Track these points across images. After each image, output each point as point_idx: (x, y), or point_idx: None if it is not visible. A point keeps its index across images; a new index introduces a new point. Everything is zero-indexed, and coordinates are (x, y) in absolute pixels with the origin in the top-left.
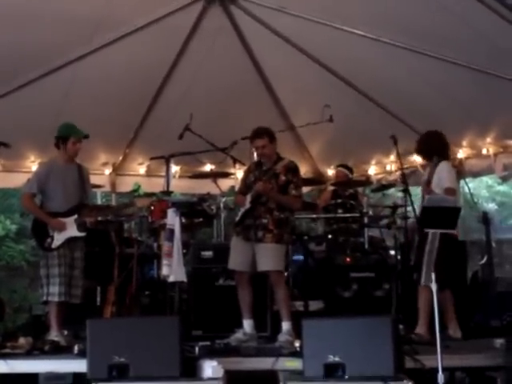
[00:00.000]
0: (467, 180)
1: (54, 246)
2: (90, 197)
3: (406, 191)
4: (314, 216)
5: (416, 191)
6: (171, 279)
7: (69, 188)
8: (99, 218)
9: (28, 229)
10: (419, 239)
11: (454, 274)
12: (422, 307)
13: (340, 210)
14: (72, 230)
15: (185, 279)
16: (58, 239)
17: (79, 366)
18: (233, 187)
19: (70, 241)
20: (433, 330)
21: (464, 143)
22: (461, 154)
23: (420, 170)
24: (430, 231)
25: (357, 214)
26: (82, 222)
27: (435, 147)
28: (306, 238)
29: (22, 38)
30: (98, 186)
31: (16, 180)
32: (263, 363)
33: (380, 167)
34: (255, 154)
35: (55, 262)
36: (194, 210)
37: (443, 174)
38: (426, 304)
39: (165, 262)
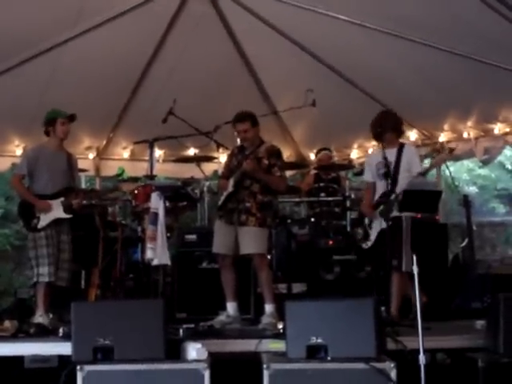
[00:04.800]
0: (448, 163)
1: (39, 226)
2: (76, 184)
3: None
4: (297, 200)
5: None
6: (155, 262)
7: (56, 173)
8: (84, 202)
9: (13, 213)
10: (392, 224)
11: (435, 257)
12: (394, 290)
13: (322, 194)
14: (58, 212)
15: (169, 262)
16: (44, 220)
17: (64, 348)
18: (216, 171)
19: (57, 224)
20: (407, 313)
21: (445, 127)
22: (442, 137)
23: None
24: (403, 217)
25: (339, 198)
26: (69, 204)
27: (393, 126)
28: (289, 221)
29: (4, 23)
30: (82, 170)
31: (0, 164)
32: (247, 345)
33: (362, 151)
34: (238, 139)
35: (43, 243)
36: (178, 194)
37: (414, 158)
38: (402, 288)
39: (149, 245)
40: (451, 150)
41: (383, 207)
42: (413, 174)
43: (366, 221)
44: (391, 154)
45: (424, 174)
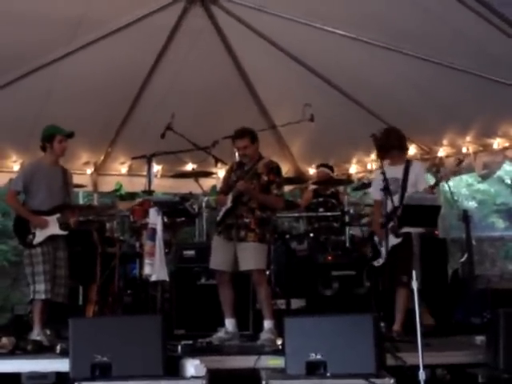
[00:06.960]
0: None
1: (35, 242)
2: (72, 200)
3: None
4: (296, 215)
5: None
6: (153, 278)
7: (52, 189)
8: (81, 218)
9: (10, 228)
10: (403, 240)
11: (434, 272)
12: (401, 306)
13: (321, 209)
14: (54, 229)
15: (167, 278)
16: (40, 236)
17: (62, 365)
18: (214, 186)
19: (52, 240)
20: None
21: (444, 142)
22: (441, 152)
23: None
24: (412, 232)
25: (338, 213)
26: (65, 221)
27: (398, 144)
28: (287, 236)
29: (3, 39)
30: (80, 186)
31: None
32: (245, 361)
33: (361, 166)
34: (237, 154)
35: (39, 260)
36: (176, 210)
37: (421, 175)
38: (407, 304)
39: (147, 261)
40: (459, 162)
41: (393, 224)
42: (418, 190)
43: (376, 239)
44: (398, 171)
45: (433, 188)
